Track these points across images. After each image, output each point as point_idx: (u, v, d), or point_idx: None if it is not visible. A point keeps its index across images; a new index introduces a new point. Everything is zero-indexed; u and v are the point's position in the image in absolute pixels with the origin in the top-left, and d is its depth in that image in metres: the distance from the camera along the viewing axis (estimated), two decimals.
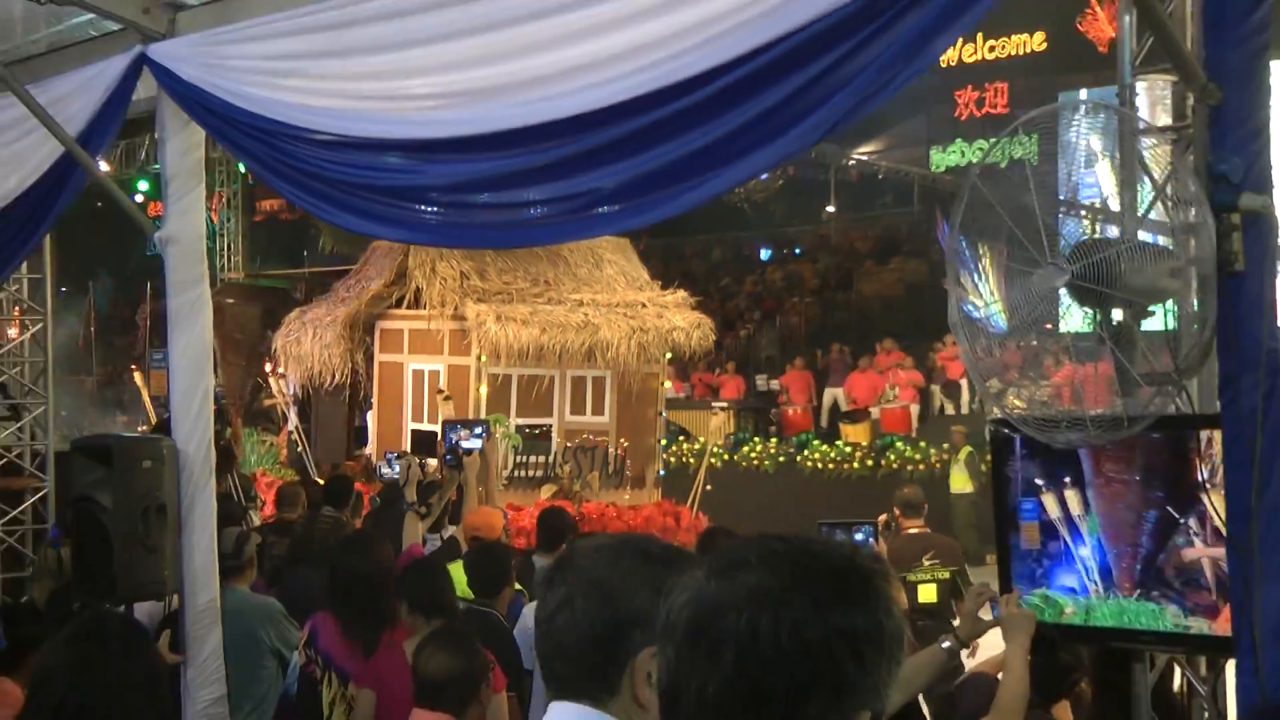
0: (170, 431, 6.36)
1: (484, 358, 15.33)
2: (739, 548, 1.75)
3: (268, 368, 20.08)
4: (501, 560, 6.93)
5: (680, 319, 16.62)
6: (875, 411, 23.67)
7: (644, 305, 16.56)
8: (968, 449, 19.82)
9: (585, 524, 14.22)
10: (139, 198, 31.62)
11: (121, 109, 6.48)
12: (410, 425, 15.76)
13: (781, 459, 22.25)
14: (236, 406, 22.85)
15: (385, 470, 9.88)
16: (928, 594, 9.07)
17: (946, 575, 9.12)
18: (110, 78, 6.44)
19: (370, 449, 17.15)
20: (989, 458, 4.83)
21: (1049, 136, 4.06)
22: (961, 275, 4.03)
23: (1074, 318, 3.93)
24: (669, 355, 16.88)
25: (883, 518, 9.57)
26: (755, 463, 22.24)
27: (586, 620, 2.12)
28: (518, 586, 7.41)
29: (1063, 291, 3.71)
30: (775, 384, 27.01)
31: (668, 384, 17.88)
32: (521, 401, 15.77)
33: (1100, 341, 3.69)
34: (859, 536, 6.44)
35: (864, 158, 31.62)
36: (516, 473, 15.60)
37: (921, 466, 20.55)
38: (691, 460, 20.97)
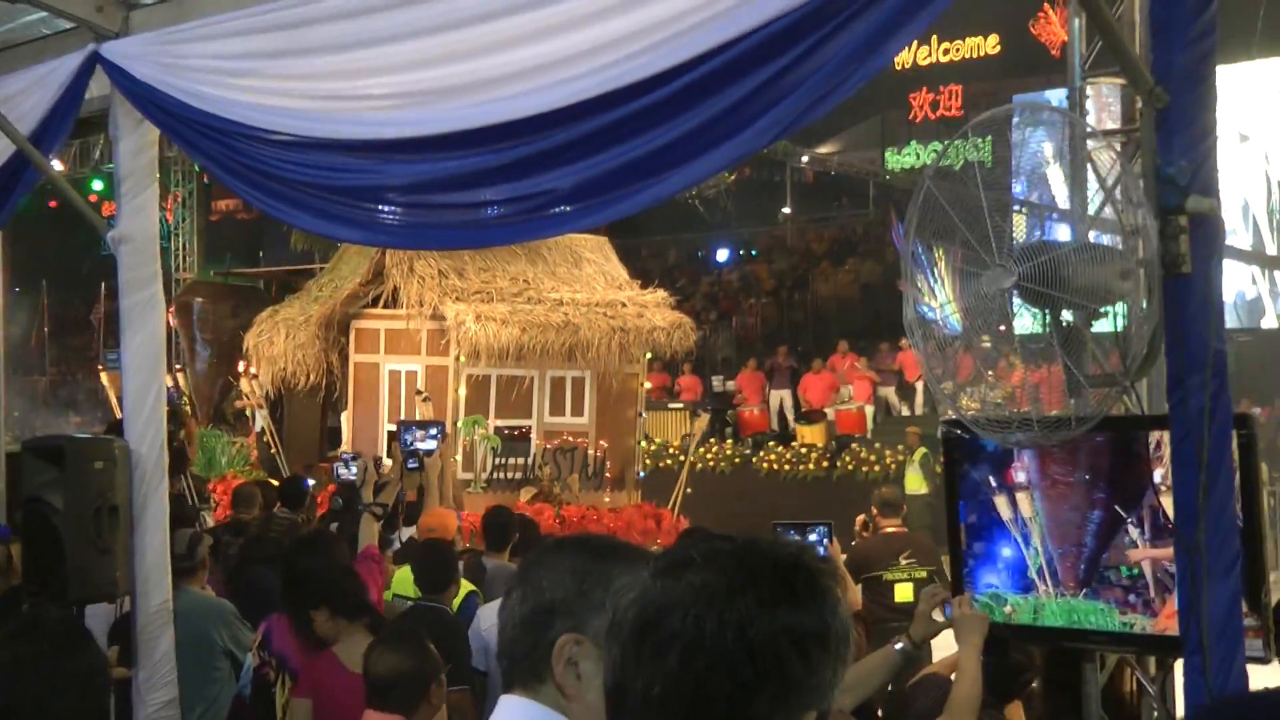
0: (123, 432, 6.30)
1: (463, 358, 15.31)
2: (685, 547, 1.75)
3: (240, 367, 19.84)
4: (446, 557, 6.92)
5: (660, 319, 16.64)
6: (831, 413, 23.76)
7: (624, 305, 16.57)
8: (922, 450, 19.94)
9: (565, 527, 14.21)
10: (93, 197, 31.32)
11: (74, 107, 6.41)
12: (387, 427, 15.68)
13: (738, 460, 22.31)
14: (205, 407, 22.60)
15: (342, 471, 9.85)
16: (904, 593, 9.04)
17: (924, 575, 9.10)
18: (63, 76, 6.37)
19: (345, 450, 16.99)
20: (943, 459, 4.85)
21: (1001, 139, 4.09)
22: (916, 277, 4.05)
23: (1026, 319, 3.96)
24: (649, 355, 16.91)
25: (861, 518, 9.60)
26: (711, 464, 22.28)
27: (518, 609, 2.16)
28: (470, 587, 7.39)
29: (1015, 293, 3.73)
30: (731, 385, 27.10)
31: (647, 384, 18.00)
32: (500, 402, 15.80)
33: (1050, 344, 3.72)
34: (813, 538, 6.45)
35: (820, 159, 31.74)
36: (496, 475, 15.60)
37: (877, 468, 20.66)
38: (670, 461, 21.02)
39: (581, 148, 4.28)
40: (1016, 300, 3.78)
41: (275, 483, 12.42)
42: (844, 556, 8.20)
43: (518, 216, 4.76)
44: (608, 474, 16.34)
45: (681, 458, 19.00)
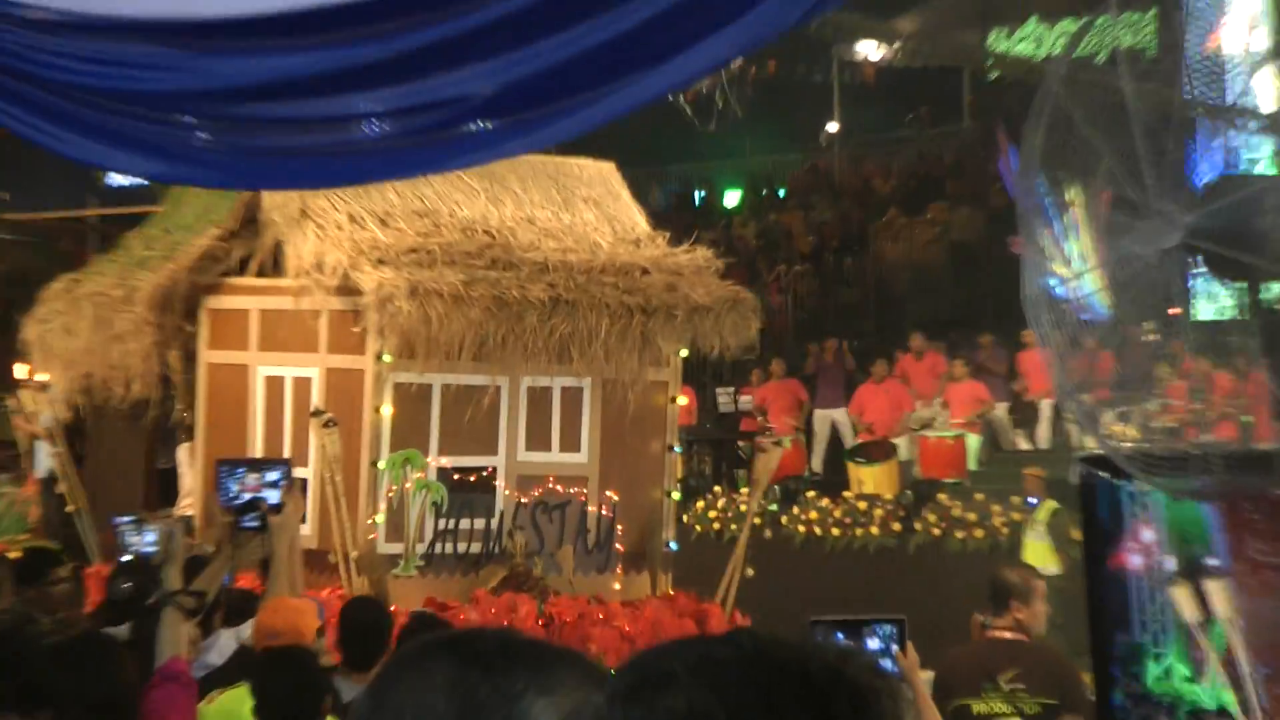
0: None
1: (388, 356, 14.74)
2: (660, 656, 1.78)
3: (13, 372, 19.13)
4: (308, 675, 6.91)
5: (703, 293, 15.85)
6: (903, 444, 23.78)
7: (645, 271, 15.90)
8: (1051, 505, 19.96)
9: (554, 634, 13.99)
10: None
11: None
12: None
13: (757, 519, 22.35)
14: None
15: (131, 539, 9.82)
16: None
17: (1035, 709, 9.10)
18: None
19: (187, 502, 16.76)
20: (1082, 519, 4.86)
21: (1172, 16, 4.08)
22: (1040, 232, 4.06)
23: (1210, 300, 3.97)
24: (684, 352, 16.25)
25: (978, 617, 9.62)
26: (715, 526, 22.29)
27: None
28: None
29: (1186, 256, 3.73)
30: (746, 400, 26.88)
31: (682, 399, 17.38)
32: (447, 429, 15.18)
33: (1247, 334, 3.71)
34: (872, 644, 6.49)
35: (883, 49, 31.79)
36: (439, 547, 14.98)
37: (979, 533, 20.68)
38: (719, 524, 20.94)
39: (501, 35, 4.28)
40: (1195, 266, 3.78)
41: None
42: (930, 674, 8.26)
43: (411, 138, 4.77)
44: (619, 545, 15.78)
45: (734, 524, 18.80)
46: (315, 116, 4.99)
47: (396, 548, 14.80)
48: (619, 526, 15.79)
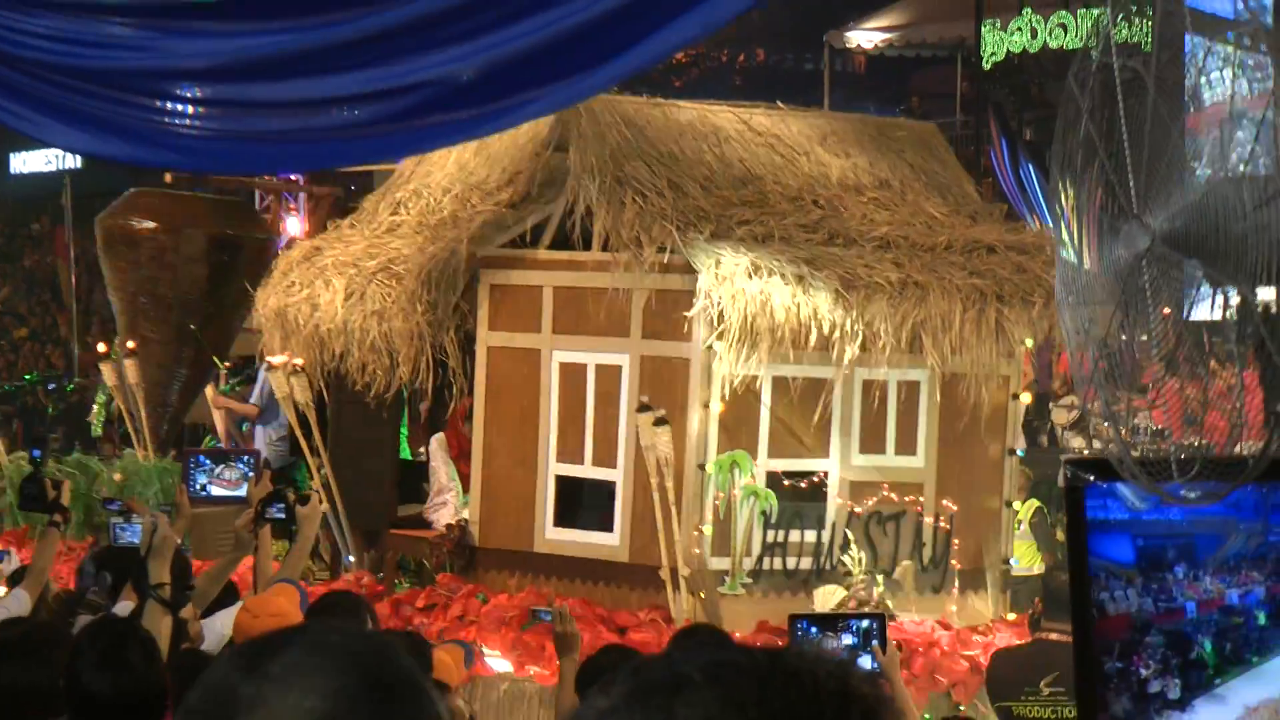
0: None
1: (719, 343, 13.06)
2: (672, 660, 1.76)
3: (262, 349, 16.35)
4: None
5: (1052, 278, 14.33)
6: None
7: (991, 250, 14.55)
8: (1033, 504, 19.89)
9: (904, 663, 11.87)
10: None
11: None
12: (554, 467, 14.06)
13: None
14: (154, 421, 20.05)
15: (121, 530, 9.77)
16: None
17: (1074, 716, 9.07)
18: None
19: (440, 500, 15.18)
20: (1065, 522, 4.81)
21: (1173, 9, 4.02)
22: (1054, 219, 4.03)
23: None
24: (1029, 342, 14.75)
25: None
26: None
27: None
28: None
29: (1190, 263, 3.70)
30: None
31: (1025, 397, 15.82)
32: (777, 428, 13.67)
33: (1241, 340, 3.68)
34: (847, 640, 6.51)
35: (876, 36, 31.84)
36: (765, 562, 13.60)
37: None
38: None
39: (480, 17, 4.27)
40: (1188, 272, 3.75)
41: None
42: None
43: (390, 122, 4.78)
44: (955, 562, 14.31)
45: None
46: (287, 99, 4.98)
47: (723, 562, 13.41)
48: (954, 541, 14.24)
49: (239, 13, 4.90)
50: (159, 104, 5.32)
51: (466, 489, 14.96)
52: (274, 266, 15.65)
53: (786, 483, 13.58)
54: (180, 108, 5.28)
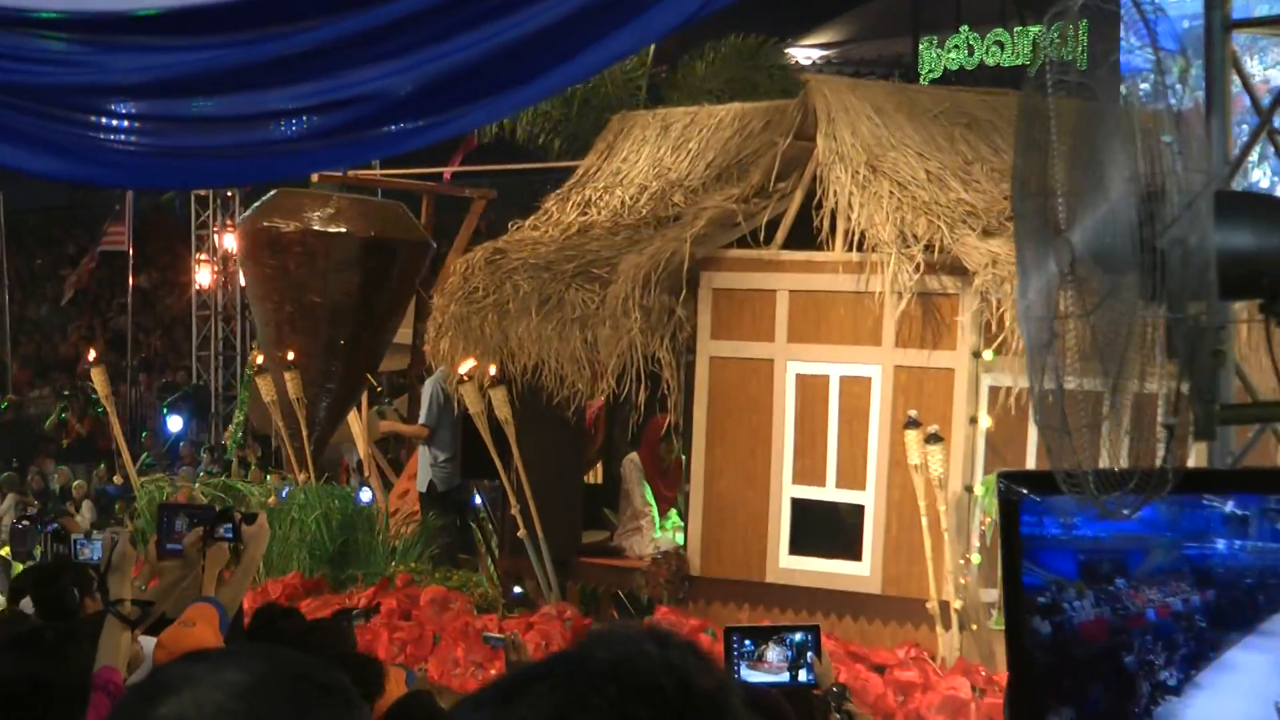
0: None
1: (989, 353, 12.08)
2: (541, 662, 1.79)
3: (456, 361, 14.49)
4: None
5: None
6: None
7: None
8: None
9: None
10: None
11: None
12: (789, 489, 12.90)
13: None
14: (298, 447, 18.74)
15: (84, 547, 9.77)
16: None
17: None
18: None
19: (633, 526, 14.26)
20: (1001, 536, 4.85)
21: (1104, 23, 4.05)
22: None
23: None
24: None
25: None
26: None
27: None
28: None
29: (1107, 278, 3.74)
30: None
31: None
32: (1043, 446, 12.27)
33: (1168, 351, 3.73)
34: (780, 651, 6.56)
35: (815, 53, 31.91)
36: None
37: None
38: None
39: (421, 30, 4.28)
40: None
41: None
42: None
43: (329, 136, 4.79)
44: None
45: None
46: (225, 115, 4.99)
47: (990, 595, 12.00)
48: None
49: (176, 28, 4.89)
50: (94, 119, 5.30)
51: (663, 512, 14.23)
52: (452, 269, 14.62)
53: None
54: (115, 123, 5.27)
